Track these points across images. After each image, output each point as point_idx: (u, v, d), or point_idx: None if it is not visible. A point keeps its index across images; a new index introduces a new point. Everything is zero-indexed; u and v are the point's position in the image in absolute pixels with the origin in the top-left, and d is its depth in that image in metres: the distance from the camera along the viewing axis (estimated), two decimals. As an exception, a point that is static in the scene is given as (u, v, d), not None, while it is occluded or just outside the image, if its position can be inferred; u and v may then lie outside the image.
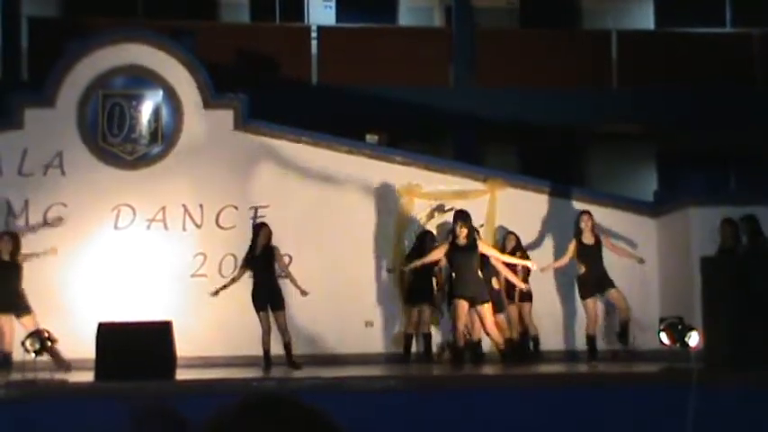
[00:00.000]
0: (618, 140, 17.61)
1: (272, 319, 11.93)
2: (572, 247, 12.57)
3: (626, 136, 17.51)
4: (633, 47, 17.14)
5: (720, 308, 10.15)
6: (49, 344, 10.08)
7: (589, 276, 12.40)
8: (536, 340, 13.09)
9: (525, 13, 18.63)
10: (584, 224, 12.56)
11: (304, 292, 11.96)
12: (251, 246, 12.07)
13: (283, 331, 11.95)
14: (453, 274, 12.11)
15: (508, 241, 13.09)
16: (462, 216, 12.00)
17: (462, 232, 11.84)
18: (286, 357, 11.91)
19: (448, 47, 16.75)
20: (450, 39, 16.81)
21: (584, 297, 12.49)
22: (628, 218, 13.85)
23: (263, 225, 12.32)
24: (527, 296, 12.93)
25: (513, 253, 12.90)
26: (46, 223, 12.91)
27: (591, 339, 12.40)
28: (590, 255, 12.45)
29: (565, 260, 12.66)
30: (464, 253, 11.82)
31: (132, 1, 17.38)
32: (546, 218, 13.71)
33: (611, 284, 12.44)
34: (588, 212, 12.77)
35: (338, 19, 18.18)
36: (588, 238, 12.56)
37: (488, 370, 11.67)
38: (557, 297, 13.58)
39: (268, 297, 11.94)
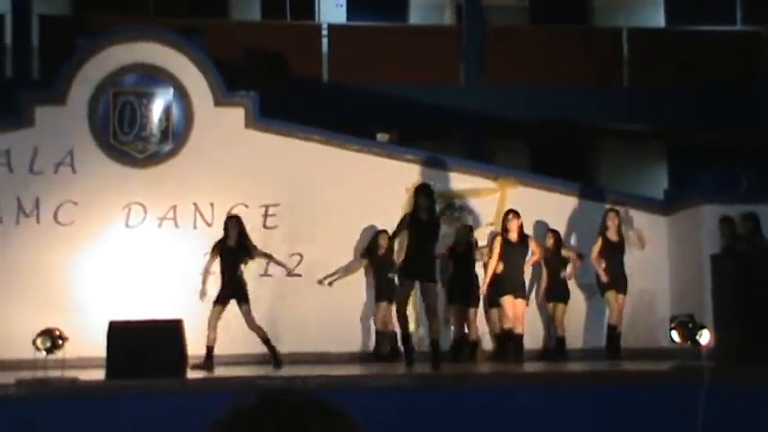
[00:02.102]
0: (628, 138, 17.58)
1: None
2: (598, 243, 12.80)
3: (636, 134, 17.49)
4: (644, 44, 17.10)
5: (731, 306, 10.12)
6: (60, 342, 10.09)
7: (610, 273, 12.67)
8: (562, 341, 13.06)
9: (535, 10, 18.60)
10: (611, 222, 12.81)
11: (290, 271, 11.80)
12: (223, 238, 11.95)
13: (254, 328, 11.72)
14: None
15: (548, 239, 13.11)
16: (515, 211, 12.38)
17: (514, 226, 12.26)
18: (270, 353, 11.77)
19: (458, 45, 16.73)
20: (461, 37, 16.80)
21: (604, 291, 12.75)
22: (638, 216, 13.82)
23: (234, 217, 12.18)
24: (562, 296, 12.97)
25: (554, 250, 12.96)
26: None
27: (614, 331, 12.63)
28: (613, 252, 12.74)
29: (594, 255, 12.82)
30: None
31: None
32: (556, 216, 13.67)
33: (624, 289, 12.66)
34: (616, 211, 12.98)
35: (349, 17, 18.17)
36: (613, 236, 12.74)
37: (502, 368, 11.67)
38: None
39: (232, 292, 11.74)
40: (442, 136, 17.00)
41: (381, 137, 17.14)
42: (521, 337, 12.22)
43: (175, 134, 13.44)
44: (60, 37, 15.04)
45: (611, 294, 12.71)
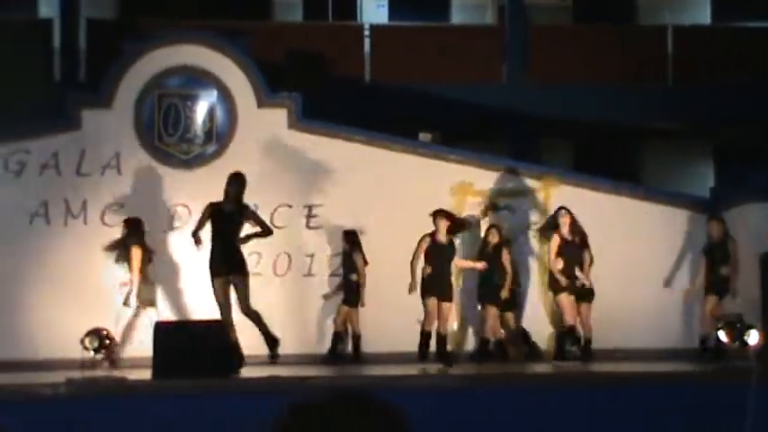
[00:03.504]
0: (674, 137, 17.44)
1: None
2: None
3: (682, 132, 17.34)
4: (689, 42, 16.95)
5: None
6: (108, 342, 10.21)
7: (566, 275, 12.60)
8: (588, 341, 12.99)
9: (578, 8, 18.51)
10: (562, 220, 12.74)
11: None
12: (219, 201, 11.72)
13: (246, 308, 11.27)
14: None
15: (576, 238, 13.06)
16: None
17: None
18: (266, 343, 11.45)
19: (501, 44, 16.69)
20: (503, 36, 16.75)
21: (557, 293, 12.62)
22: (684, 215, 13.70)
23: (238, 175, 11.88)
24: (585, 295, 12.89)
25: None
26: None
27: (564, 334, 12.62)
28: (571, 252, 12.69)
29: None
30: None
31: (187, 2, 17.54)
32: (600, 215, 13.59)
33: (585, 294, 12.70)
34: (566, 208, 12.86)
35: (391, 17, 18.20)
36: (568, 234, 12.72)
37: (539, 369, 11.64)
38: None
39: (225, 262, 11.40)
40: (484, 135, 16.96)
41: (424, 137, 17.14)
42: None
43: (219, 135, 13.52)
44: (107, 40, 15.19)
45: (563, 297, 12.52)
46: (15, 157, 13.08)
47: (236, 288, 11.36)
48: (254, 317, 11.38)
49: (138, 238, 12.30)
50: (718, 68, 16.46)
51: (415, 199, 13.43)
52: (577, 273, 12.64)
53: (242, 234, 11.66)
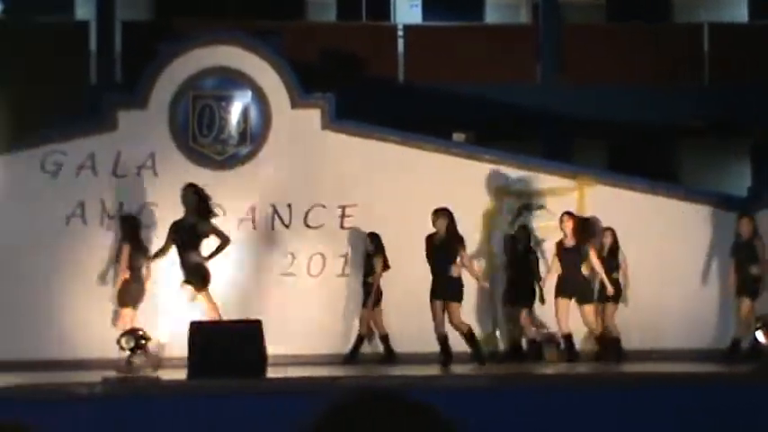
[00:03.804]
0: (710, 136, 17.29)
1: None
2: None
3: (719, 131, 17.19)
4: (726, 40, 16.81)
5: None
6: (143, 342, 10.28)
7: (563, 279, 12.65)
8: (617, 341, 12.91)
9: (612, 7, 18.41)
10: (563, 225, 12.77)
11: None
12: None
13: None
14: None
15: (605, 238, 13.00)
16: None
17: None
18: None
19: (535, 43, 16.63)
20: (537, 35, 16.69)
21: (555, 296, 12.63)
22: (721, 214, 13.58)
23: (190, 186, 12.07)
24: (612, 296, 12.83)
25: (611, 250, 12.86)
26: None
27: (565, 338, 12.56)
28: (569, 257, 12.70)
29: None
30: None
31: (222, 3, 17.62)
32: (637, 215, 13.51)
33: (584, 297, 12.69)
34: (570, 213, 12.87)
35: (424, 17, 18.19)
36: (569, 241, 12.74)
37: (579, 369, 11.59)
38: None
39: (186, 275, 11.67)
40: (518, 135, 16.90)
41: (457, 137, 17.11)
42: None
43: (253, 136, 13.57)
44: (142, 42, 15.29)
45: (560, 301, 12.52)
46: (52, 158, 13.20)
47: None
48: None
49: (129, 237, 12.33)
50: (755, 67, 16.30)
51: (448, 199, 13.40)
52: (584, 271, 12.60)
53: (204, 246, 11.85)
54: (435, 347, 12.94)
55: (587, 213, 13.49)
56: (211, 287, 12.73)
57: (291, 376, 10.57)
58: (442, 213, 12.07)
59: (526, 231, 13.08)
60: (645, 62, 16.40)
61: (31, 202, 12.99)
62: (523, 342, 13.01)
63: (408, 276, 12.98)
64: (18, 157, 13.25)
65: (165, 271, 12.65)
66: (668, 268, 13.28)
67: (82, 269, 12.96)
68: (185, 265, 11.77)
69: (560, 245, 12.78)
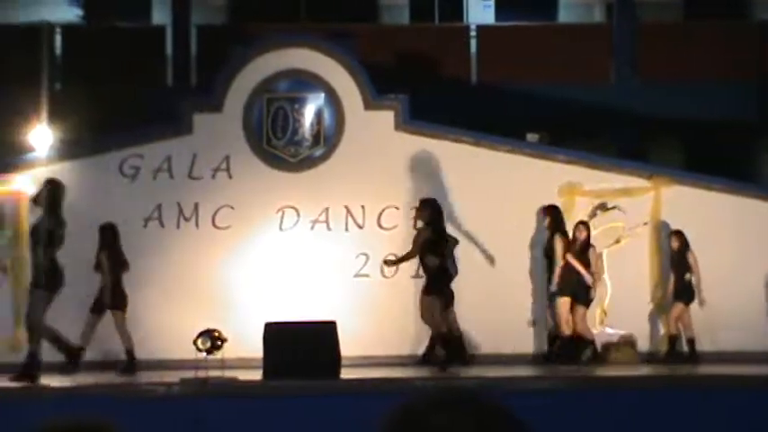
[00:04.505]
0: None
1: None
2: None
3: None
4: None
5: None
6: (219, 343, 10.40)
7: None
8: (691, 342, 12.74)
9: (689, 4, 18.15)
10: (578, 233, 12.76)
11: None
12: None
13: (36, 324, 11.08)
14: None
15: (673, 241, 12.86)
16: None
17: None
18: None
19: (609, 42, 16.47)
20: (612, 34, 16.53)
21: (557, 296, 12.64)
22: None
23: (50, 181, 11.44)
24: (684, 297, 12.67)
25: (678, 253, 12.70)
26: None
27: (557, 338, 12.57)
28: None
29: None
30: None
31: (295, 6, 17.76)
32: (715, 216, 13.29)
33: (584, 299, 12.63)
34: (584, 222, 12.92)
35: (497, 18, 18.13)
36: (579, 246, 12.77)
37: (652, 371, 11.47)
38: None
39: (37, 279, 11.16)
40: (593, 135, 16.75)
41: (531, 137, 17.01)
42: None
43: (326, 138, 13.64)
44: (217, 46, 15.48)
45: (560, 301, 12.52)
46: (130, 162, 13.41)
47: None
48: (44, 333, 11.18)
49: (106, 245, 12.28)
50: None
51: (522, 199, 13.34)
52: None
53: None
54: (508, 348, 12.91)
55: (663, 213, 13.33)
56: (287, 287, 12.85)
57: (366, 377, 10.60)
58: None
59: (584, 227, 12.93)
60: (722, 60, 16.14)
61: (110, 205, 13.20)
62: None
63: (483, 276, 12.95)
64: (98, 161, 13.48)
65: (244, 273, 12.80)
66: (746, 269, 13.05)
67: (159, 271, 13.13)
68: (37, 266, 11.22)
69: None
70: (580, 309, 12.61)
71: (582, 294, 12.61)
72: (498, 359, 12.67)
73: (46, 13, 17.23)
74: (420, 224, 12.35)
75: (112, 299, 12.07)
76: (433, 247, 12.01)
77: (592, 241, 12.94)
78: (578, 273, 12.58)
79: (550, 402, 9.27)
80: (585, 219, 13.10)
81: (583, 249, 12.74)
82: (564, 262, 12.63)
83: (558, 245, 12.70)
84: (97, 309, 12.15)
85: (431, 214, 12.17)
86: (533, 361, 12.85)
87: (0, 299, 12.63)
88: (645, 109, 15.77)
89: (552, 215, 12.88)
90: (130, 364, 11.88)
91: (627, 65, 16.23)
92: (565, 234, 12.83)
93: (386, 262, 12.71)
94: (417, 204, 12.54)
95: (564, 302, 12.53)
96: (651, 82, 16.05)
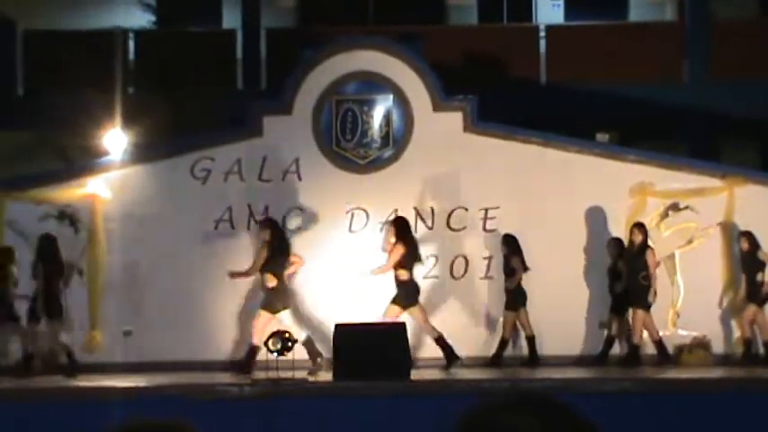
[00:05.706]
0: None
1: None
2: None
3: None
4: None
5: None
6: (290, 344, 10.47)
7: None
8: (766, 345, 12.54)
9: (764, 0, 17.84)
10: (634, 237, 12.65)
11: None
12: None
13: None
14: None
15: (742, 242, 12.65)
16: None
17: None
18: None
19: (681, 41, 16.27)
20: (684, 32, 16.31)
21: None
22: None
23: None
24: (756, 298, 12.47)
25: (748, 254, 12.50)
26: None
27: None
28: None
29: None
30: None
31: (363, 9, 17.82)
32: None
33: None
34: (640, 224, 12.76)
35: (566, 17, 18.00)
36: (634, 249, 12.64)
37: (717, 373, 11.33)
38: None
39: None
40: (664, 135, 16.56)
41: (601, 137, 16.87)
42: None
43: (395, 139, 13.66)
44: (286, 49, 15.60)
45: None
46: (201, 165, 13.56)
47: None
48: None
49: (45, 256, 12.18)
50: None
51: (592, 200, 13.24)
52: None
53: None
54: (577, 350, 12.82)
55: (736, 213, 13.12)
56: (356, 288, 12.86)
57: (436, 378, 10.60)
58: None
59: (640, 230, 12.75)
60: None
61: (182, 207, 13.37)
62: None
63: (551, 278, 12.87)
64: (170, 164, 13.66)
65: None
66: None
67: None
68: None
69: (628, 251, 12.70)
70: (639, 313, 12.47)
71: (641, 299, 12.47)
72: (566, 360, 12.59)
73: (119, 19, 17.53)
74: (392, 239, 12.30)
75: (45, 307, 12.03)
76: (405, 261, 12.05)
77: (663, 242, 12.77)
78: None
79: (617, 404, 9.20)
80: (642, 221, 12.94)
81: (639, 252, 12.58)
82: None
83: (650, 259, 12.58)
84: (33, 317, 12.10)
85: (399, 231, 12.16)
86: (597, 362, 12.73)
87: (77, 300, 12.85)
88: (717, 108, 15.55)
89: (645, 233, 12.73)
90: (72, 365, 11.97)
91: (699, 63, 16.02)
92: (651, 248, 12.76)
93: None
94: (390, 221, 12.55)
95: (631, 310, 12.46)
96: (724, 80, 15.80)
